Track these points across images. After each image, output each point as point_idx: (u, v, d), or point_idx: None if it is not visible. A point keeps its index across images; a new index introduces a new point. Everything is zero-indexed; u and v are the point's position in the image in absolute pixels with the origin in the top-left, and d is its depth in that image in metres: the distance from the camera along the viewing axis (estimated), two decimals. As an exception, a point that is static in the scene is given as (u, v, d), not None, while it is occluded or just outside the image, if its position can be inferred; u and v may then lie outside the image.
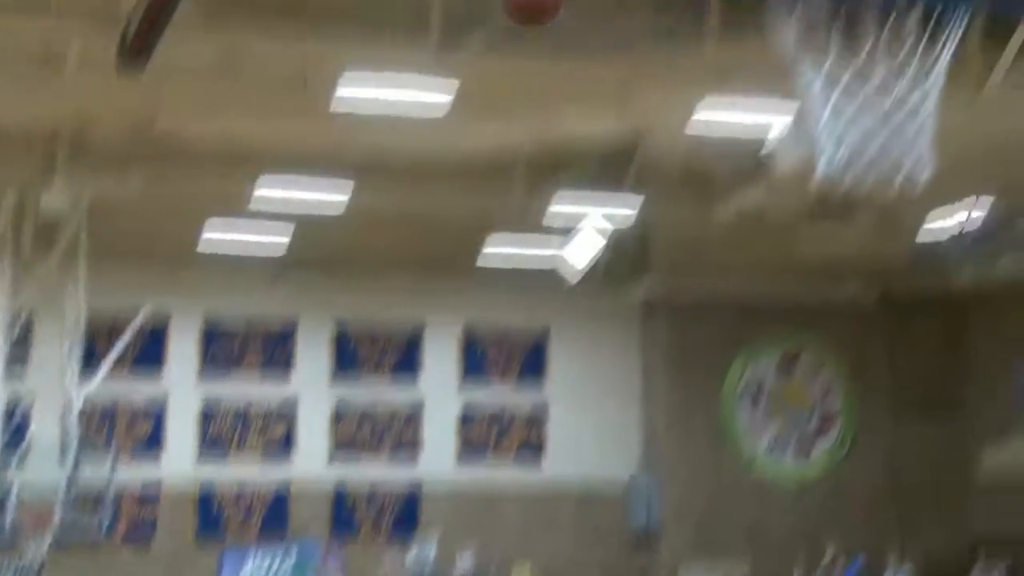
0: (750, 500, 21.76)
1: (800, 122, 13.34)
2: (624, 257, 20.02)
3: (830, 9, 9.91)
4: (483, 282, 21.17)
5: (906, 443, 22.05)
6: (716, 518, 21.61)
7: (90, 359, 18.14)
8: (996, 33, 12.53)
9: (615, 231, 17.92)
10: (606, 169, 17.14)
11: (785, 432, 22.42)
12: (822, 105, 9.38)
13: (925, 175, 10.30)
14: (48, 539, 16.97)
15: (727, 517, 21.60)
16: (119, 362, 19.04)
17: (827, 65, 9.89)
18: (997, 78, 12.84)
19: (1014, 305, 20.41)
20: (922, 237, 18.19)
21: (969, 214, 17.05)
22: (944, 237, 17.72)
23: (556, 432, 22.26)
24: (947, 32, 9.15)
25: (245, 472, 21.20)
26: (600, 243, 17.74)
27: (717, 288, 21.38)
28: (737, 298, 21.57)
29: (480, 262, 20.50)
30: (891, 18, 10.49)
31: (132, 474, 19.83)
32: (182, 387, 21.16)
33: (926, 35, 10.22)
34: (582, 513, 22.01)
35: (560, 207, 17.52)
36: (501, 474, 21.99)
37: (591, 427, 22.16)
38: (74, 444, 17.37)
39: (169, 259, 19.74)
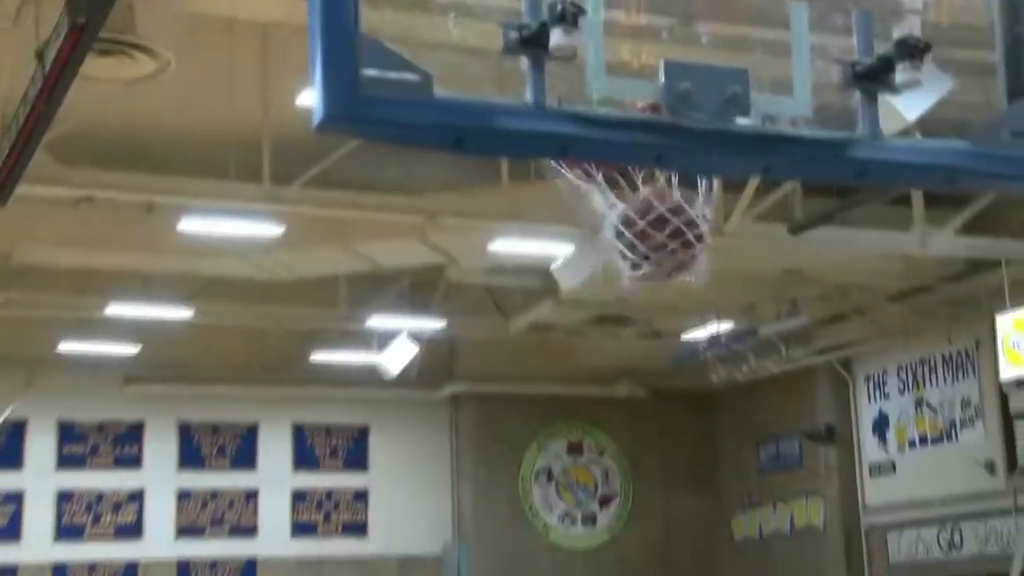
0: (546, 562, 21.80)
1: (580, 249, 13.65)
2: (434, 361, 20.07)
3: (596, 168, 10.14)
4: (311, 384, 20.90)
5: (674, 512, 22.39)
6: (515, 579, 21.58)
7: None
8: (734, 184, 13.01)
9: (425, 340, 17.93)
10: (417, 287, 17.21)
11: (574, 506, 22.52)
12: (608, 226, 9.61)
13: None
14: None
15: (528, 577, 21.59)
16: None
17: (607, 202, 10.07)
18: (735, 220, 13.26)
19: (751, 401, 21.07)
20: (681, 344, 18.60)
21: (718, 327, 17.50)
22: (699, 343, 18.15)
23: (377, 509, 21.96)
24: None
25: (98, 551, 20.37)
26: (412, 350, 17.74)
27: (514, 386, 21.52)
28: (531, 394, 21.73)
29: (308, 367, 20.28)
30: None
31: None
32: (39, 479, 20.27)
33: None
34: (402, 577, 21.74)
35: (378, 320, 17.49)
36: (329, 546, 21.56)
37: (408, 503, 21.93)
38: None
39: (27, 366, 19.05)
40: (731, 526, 22.14)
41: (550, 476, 22.46)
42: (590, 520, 22.56)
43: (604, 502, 22.68)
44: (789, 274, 15.43)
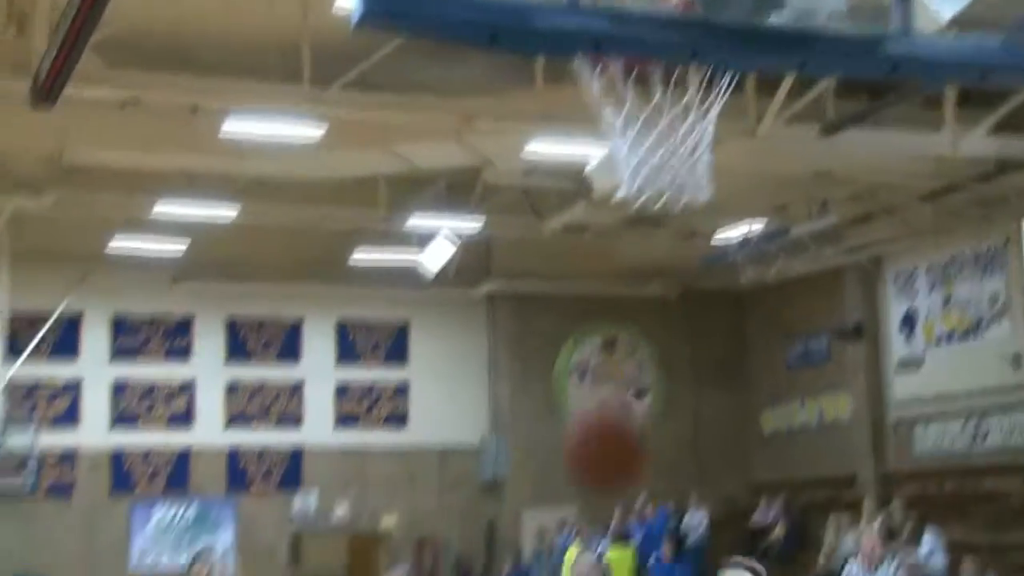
0: (578, 456, 21.95)
1: (611, 153, 13.52)
2: (471, 260, 20.10)
3: (625, 66, 9.99)
4: (353, 282, 21.03)
5: (705, 407, 22.50)
6: (552, 471, 21.66)
7: (14, 347, 17.68)
8: (768, 83, 12.84)
9: (463, 239, 17.94)
10: (455, 188, 17.17)
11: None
12: (622, 142, 9.52)
13: (704, 198, 10.54)
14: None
15: (561, 470, 21.44)
16: (40, 349, 18.59)
17: (625, 110, 9.99)
18: (767, 122, 13.11)
19: (780, 300, 21.01)
20: (713, 245, 18.52)
21: (749, 227, 17.39)
22: (730, 245, 18.06)
23: (417, 402, 22.21)
24: (720, 86, 9.32)
25: (152, 439, 20.80)
26: (450, 249, 17.76)
27: (549, 284, 21.55)
28: (565, 292, 21.77)
29: (350, 266, 20.37)
30: (675, 74, 10.61)
31: (53, 441, 19.37)
32: (95, 369, 20.64)
33: (703, 88, 10.34)
34: (440, 468, 22.01)
35: (417, 220, 17.49)
36: (371, 438, 21.89)
37: (447, 397, 22.17)
38: (0, 416, 16.95)
39: (80, 263, 19.23)
40: (760, 421, 22.24)
41: (585, 372, 22.60)
42: (623, 414, 22.70)
43: (637, 397, 22.81)
44: (820, 175, 15.27)
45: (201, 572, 6.58)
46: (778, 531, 18.23)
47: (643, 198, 10.28)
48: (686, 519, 18.83)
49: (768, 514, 18.90)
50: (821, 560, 16.21)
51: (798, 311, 20.96)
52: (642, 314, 22.55)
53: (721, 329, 22.60)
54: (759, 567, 3.87)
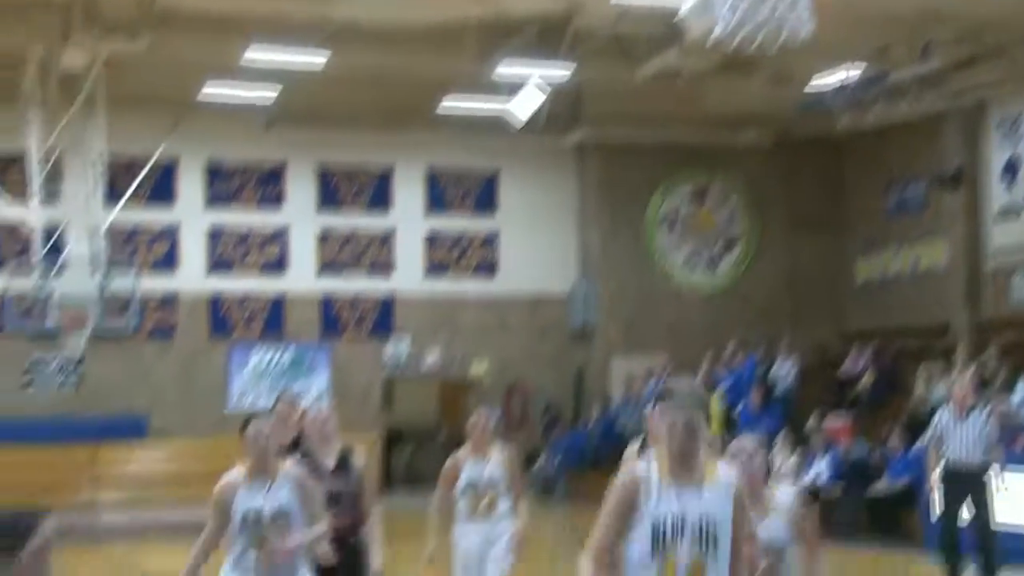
0: (669, 305, 22.09)
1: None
2: (561, 108, 19.95)
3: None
4: (442, 130, 21.08)
5: (797, 256, 22.35)
6: (641, 319, 21.96)
7: (113, 192, 18.13)
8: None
9: (553, 87, 17.80)
10: (545, 35, 16.95)
11: (697, 250, 22.63)
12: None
13: (804, 35, 10.35)
14: (86, 336, 17.20)
15: (650, 318, 21.93)
16: (138, 194, 19.03)
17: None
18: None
19: (879, 145, 20.58)
20: (809, 90, 18.14)
21: (847, 72, 16.97)
22: (827, 90, 17.67)
23: (507, 251, 22.41)
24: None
25: (247, 284, 21.36)
26: (540, 97, 17.64)
27: (640, 132, 21.37)
28: (657, 140, 21.57)
29: (439, 114, 20.37)
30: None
31: (153, 285, 19.98)
32: (191, 215, 21.15)
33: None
34: (530, 316, 22.32)
35: (507, 68, 17.36)
36: (461, 286, 22.21)
37: (537, 246, 22.33)
38: (103, 260, 17.50)
39: (174, 108, 19.51)
40: (854, 269, 22.04)
41: (675, 221, 22.54)
42: (713, 263, 22.70)
43: (728, 246, 22.74)
44: (925, 13, 14.76)
45: (284, 412, 6.76)
46: (867, 380, 18.25)
47: (739, 37, 10.13)
48: (775, 368, 18.91)
49: (858, 363, 18.89)
50: (911, 408, 16.25)
51: (896, 157, 20.53)
52: (734, 162, 22.30)
53: (816, 176, 22.26)
54: (703, 396, 3.87)
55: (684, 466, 3.61)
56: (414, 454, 22.89)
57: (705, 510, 3.55)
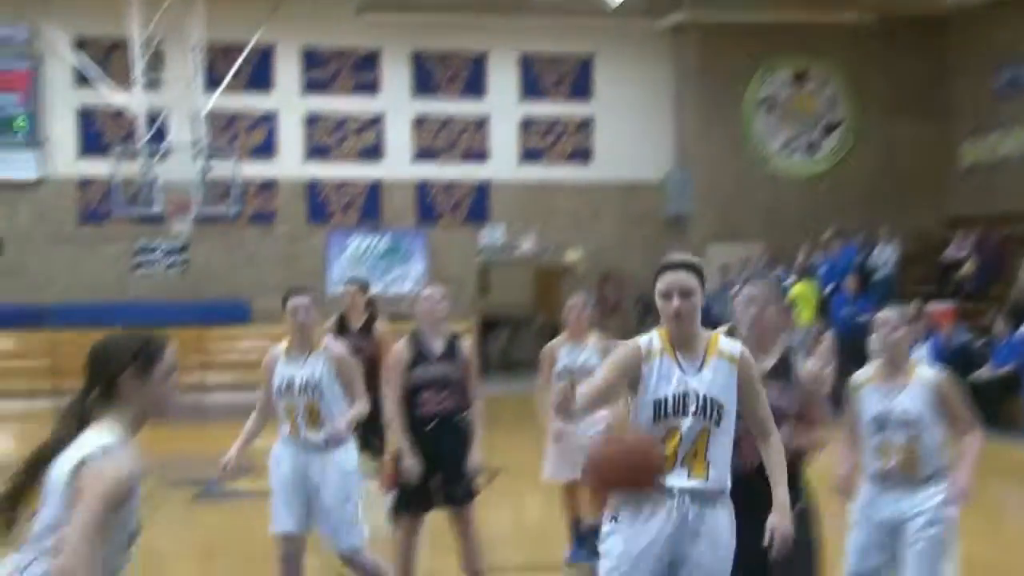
0: (765, 191, 21.75)
1: None
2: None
3: None
4: (537, 13, 20.73)
5: (899, 139, 21.77)
6: (736, 206, 21.68)
7: (212, 78, 18.26)
8: None
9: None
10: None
11: (796, 134, 22.17)
12: None
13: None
14: (190, 221, 17.53)
15: (746, 206, 21.65)
16: (236, 81, 19.13)
17: None
18: None
19: (988, 23, 19.77)
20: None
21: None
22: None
23: (601, 137, 22.20)
24: None
25: (344, 171, 21.50)
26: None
27: (738, 13, 20.79)
28: (755, 21, 20.98)
29: (533, -2, 20.11)
30: None
31: (253, 171, 20.20)
32: (289, 101, 21.25)
33: None
34: (625, 203, 22.17)
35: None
36: (556, 172, 22.09)
37: (631, 132, 22.08)
38: (204, 145, 17.72)
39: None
40: (959, 152, 21.39)
41: (773, 105, 22.05)
42: (812, 148, 22.23)
43: (827, 130, 22.23)
44: None
45: (349, 292, 7.17)
46: (970, 266, 17.84)
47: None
48: (875, 253, 18.56)
49: (961, 249, 18.44)
50: (1013, 295, 15.86)
51: (1008, 35, 19.70)
52: (835, 44, 21.63)
53: (920, 57, 21.52)
54: (696, 262, 3.83)
55: (685, 342, 3.65)
56: (509, 340, 23.08)
57: (708, 384, 3.55)
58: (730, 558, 3.52)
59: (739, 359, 3.62)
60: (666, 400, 3.53)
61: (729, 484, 3.58)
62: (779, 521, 3.55)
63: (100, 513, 2.74)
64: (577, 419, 3.61)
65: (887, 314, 4.62)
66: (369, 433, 6.07)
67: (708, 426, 3.51)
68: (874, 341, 4.75)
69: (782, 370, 4.00)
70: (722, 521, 3.53)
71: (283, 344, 5.53)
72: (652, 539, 3.45)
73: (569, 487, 6.53)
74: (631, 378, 3.57)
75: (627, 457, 3.47)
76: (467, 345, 5.58)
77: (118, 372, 2.95)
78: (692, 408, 3.52)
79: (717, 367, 3.60)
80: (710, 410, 3.53)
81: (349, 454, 5.30)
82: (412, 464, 5.22)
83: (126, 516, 2.87)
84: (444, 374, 5.37)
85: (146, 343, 3.06)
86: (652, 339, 3.81)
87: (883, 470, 4.46)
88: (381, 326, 7.32)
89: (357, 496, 5.21)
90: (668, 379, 3.57)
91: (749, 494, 3.71)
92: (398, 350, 5.48)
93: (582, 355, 6.57)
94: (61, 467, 2.83)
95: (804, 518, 3.86)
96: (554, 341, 6.66)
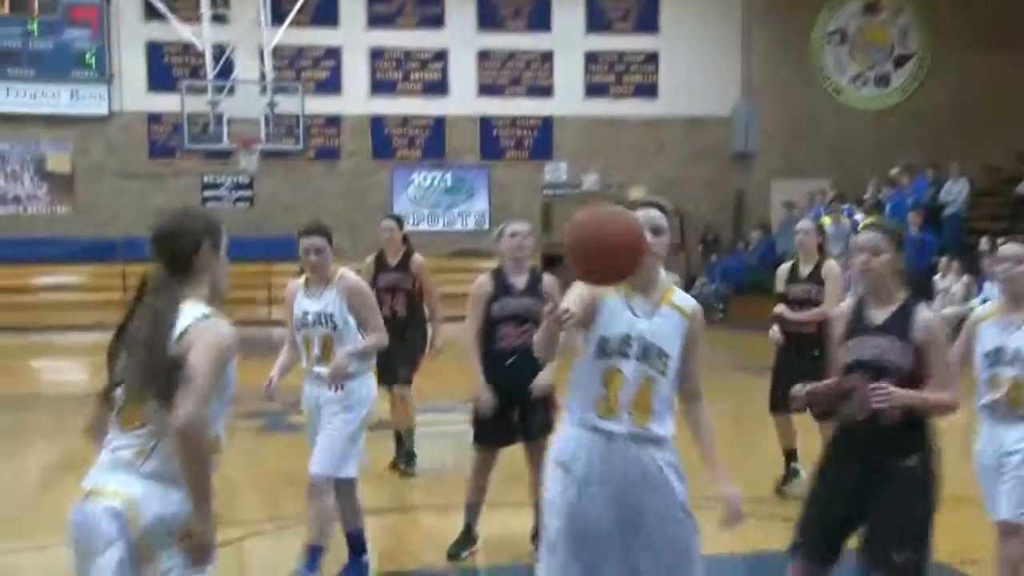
0: (833, 126, 21.43)
1: None
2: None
3: None
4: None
5: (971, 72, 21.27)
6: (803, 142, 21.40)
7: (277, 13, 18.28)
8: None
9: None
10: None
11: (866, 67, 21.76)
12: None
13: None
14: (256, 156, 17.67)
15: (813, 141, 21.36)
16: (301, 16, 19.13)
17: None
18: None
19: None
20: None
21: None
22: None
23: (667, 71, 21.94)
24: None
25: (408, 106, 21.48)
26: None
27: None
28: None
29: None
30: None
31: (318, 106, 20.24)
32: (353, 36, 21.21)
33: None
34: (689, 139, 21.97)
35: None
36: (620, 108, 21.90)
37: (698, 66, 21.79)
38: (270, 81, 17.79)
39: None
40: (1033, 89, 20.89)
41: (843, 38, 21.62)
42: (883, 81, 21.82)
43: (899, 63, 21.79)
44: None
45: (387, 229, 7.21)
46: (1044, 202, 17.45)
47: None
48: (945, 188, 18.21)
49: (1035, 185, 18.03)
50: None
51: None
52: (909, -28, 21.16)
53: (998, -11, 20.99)
54: (666, 203, 3.70)
55: (644, 286, 3.56)
56: (572, 277, 23.07)
57: (655, 331, 3.51)
58: (680, 504, 3.47)
59: (691, 314, 3.57)
60: (611, 339, 3.49)
61: (672, 430, 3.52)
62: (731, 494, 3.48)
63: (212, 372, 2.86)
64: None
65: (1011, 248, 4.53)
66: (383, 366, 6.05)
67: (653, 373, 3.47)
68: (994, 275, 4.67)
69: (897, 324, 3.87)
70: (667, 467, 3.48)
71: (302, 278, 5.51)
72: (600, 483, 3.42)
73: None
74: (587, 313, 3.50)
75: (608, 227, 3.38)
76: (550, 281, 5.55)
77: (195, 248, 3.03)
78: (635, 351, 3.48)
79: (668, 316, 3.54)
80: (654, 357, 3.49)
81: (363, 387, 5.26)
82: (487, 399, 5.24)
83: (227, 380, 2.99)
84: (526, 308, 5.34)
85: (210, 219, 3.12)
86: None
87: (991, 401, 4.43)
88: (418, 260, 7.34)
89: (353, 429, 5.14)
90: (618, 319, 3.52)
91: (857, 442, 3.76)
92: (480, 283, 5.46)
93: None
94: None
95: (918, 476, 3.79)
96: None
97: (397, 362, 6.97)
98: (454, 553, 5.40)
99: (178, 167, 20.51)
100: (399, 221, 7.60)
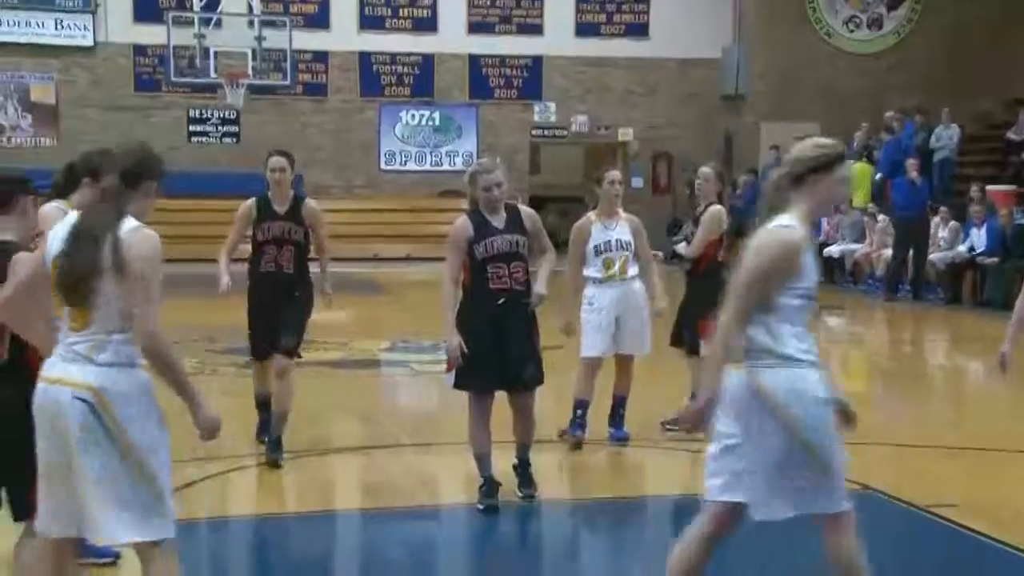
0: (823, 69, 21.26)
1: None
2: None
3: None
4: None
5: (964, 18, 21.07)
6: (794, 84, 21.23)
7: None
8: None
9: None
10: None
11: (860, 9, 21.58)
12: None
13: None
14: (243, 91, 17.49)
15: (804, 84, 21.19)
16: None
17: None
18: None
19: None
20: None
21: None
22: None
23: (658, 12, 21.72)
24: None
25: (397, 43, 21.24)
26: None
27: None
28: None
29: None
30: None
31: (305, 42, 20.00)
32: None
33: None
34: (680, 81, 21.80)
35: None
36: (610, 48, 21.69)
37: (689, 7, 21.58)
38: (257, 14, 17.56)
39: None
40: (1024, 34, 20.69)
41: (836, -22, 21.40)
42: (876, 23, 21.64)
43: (892, 6, 21.60)
44: None
45: (276, 165, 6.23)
46: (1032, 149, 17.37)
47: None
48: (935, 134, 18.11)
49: (1022, 131, 17.94)
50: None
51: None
52: (905, -84, 20.89)
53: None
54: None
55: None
56: (560, 217, 22.99)
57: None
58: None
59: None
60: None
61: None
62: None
63: (158, 281, 3.23)
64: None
65: None
66: (261, 334, 6.11)
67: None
68: None
69: None
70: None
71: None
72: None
73: (589, 365, 6.49)
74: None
75: None
76: (529, 213, 5.45)
77: (150, 176, 3.41)
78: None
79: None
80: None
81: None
82: (456, 343, 5.14)
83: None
84: (510, 244, 5.24)
85: (163, 167, 3.50)
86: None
87: None
88: (311, 206, 6.45)
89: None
90: (605, 233, 6.56)
91: None
92: (459, 226, 5.32)
93: (614, 232, 6.49)
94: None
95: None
96: (582, 220, 6.55)
97: (281, 328, 6.08)
98: (489, 506, 5.29)
99: (164, 100, 20.27)
100: (290, 159, 6.32)
